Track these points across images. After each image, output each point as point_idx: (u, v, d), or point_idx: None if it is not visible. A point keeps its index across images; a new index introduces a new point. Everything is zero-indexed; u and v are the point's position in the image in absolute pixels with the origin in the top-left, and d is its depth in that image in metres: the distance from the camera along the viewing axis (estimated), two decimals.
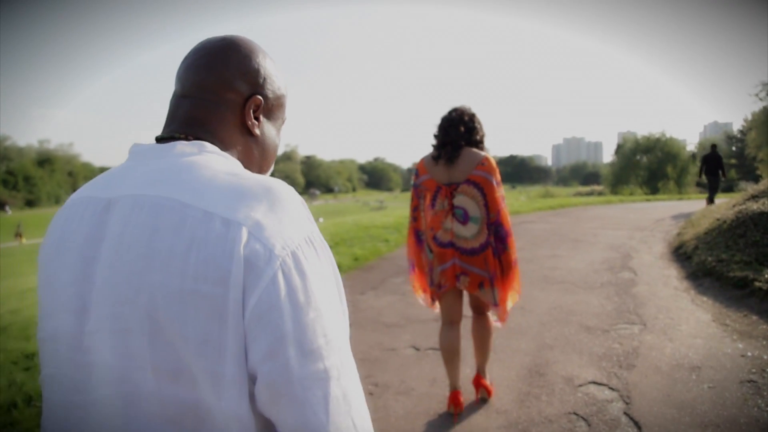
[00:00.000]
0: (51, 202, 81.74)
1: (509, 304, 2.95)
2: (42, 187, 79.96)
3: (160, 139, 0.80)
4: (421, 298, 3.14)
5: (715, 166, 12.94)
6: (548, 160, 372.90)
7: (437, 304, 3.03)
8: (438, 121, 2.91)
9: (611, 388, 3.20)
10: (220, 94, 0.81)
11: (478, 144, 2.87)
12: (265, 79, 0.85)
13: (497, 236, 2.80)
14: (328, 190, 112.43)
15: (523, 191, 79.69)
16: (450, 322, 2.95)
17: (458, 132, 2.79)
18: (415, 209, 2.98)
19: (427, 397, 3.19)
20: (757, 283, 4.89)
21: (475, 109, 2.91)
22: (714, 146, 13.41)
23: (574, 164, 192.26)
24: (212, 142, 0.79)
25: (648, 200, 21.47)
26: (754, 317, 4.38)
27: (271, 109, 0.87)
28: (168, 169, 0.73)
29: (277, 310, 0.64)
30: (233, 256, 0.64)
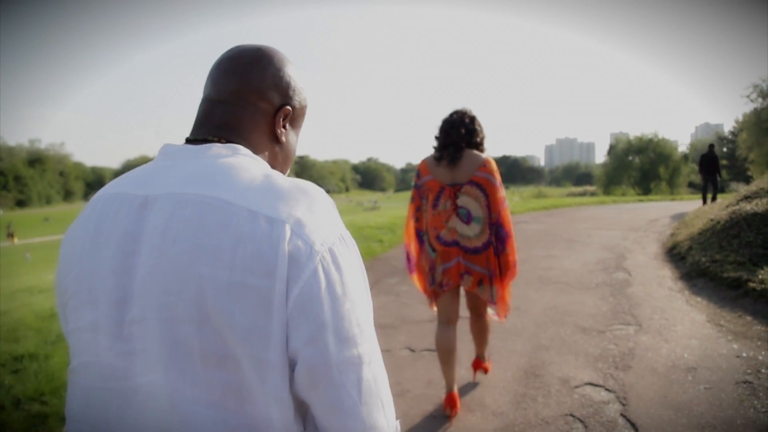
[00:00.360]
0: (42, 202, 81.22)
1: (508, 299, 3.03)
2: (33, 187, 79.38)
3: (191, 140, 0.85)
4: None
5: (712, 166, 13.14)
6: (541, 160, 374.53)
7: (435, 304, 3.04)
8: (438, 123, 2.94)
9: (607, 390, 3.18)
10: (255, 103, 0.87)
11: (479, 146, 2.90)
12: (294, 90, 0.91)
13: (497, 236, 2.86)
14: None
15: (516, 191, 79.97)
16: (447, 321, 2.96)
17: (459, 134, 2.82)
18: (418, 209, 3.00)
19: (423, 399, 3.16)
20: (751, 284, 4.90)
21: (474, 111, 2.94)
22: (711, 146, 13.61)
23: (566, 165, 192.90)
24: (244, 146, 0.84)
25: (641, 201, 21.56)
26: (749, 318, 4.38)
27: (296, 118, 0.94)
28: (206, 169, 0.77)
29: (317, 300, 0.70)
30: (278, 252, 0.69)
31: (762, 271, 5.07)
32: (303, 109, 0.95)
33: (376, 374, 0.76)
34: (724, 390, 3.11)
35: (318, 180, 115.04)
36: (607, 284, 5.82)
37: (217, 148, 0.80)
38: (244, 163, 0.79)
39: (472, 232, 2.82)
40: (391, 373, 3.30)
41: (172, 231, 0.72)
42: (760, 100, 32.99)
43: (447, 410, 2.93)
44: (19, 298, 6.03)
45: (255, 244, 0.69)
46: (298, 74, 0.92)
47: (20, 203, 75.31)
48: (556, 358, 3.71)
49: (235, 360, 0.70)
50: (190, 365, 0.70)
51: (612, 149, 52.92)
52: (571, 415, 2.90)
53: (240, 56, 0.88)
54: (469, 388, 3.28)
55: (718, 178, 13.26)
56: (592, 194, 49.69)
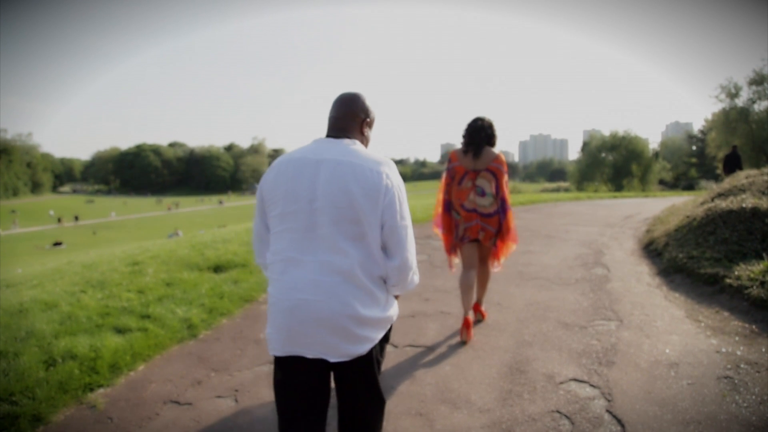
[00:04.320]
0: (8, 194, 78.77)
1: (504, 255, 4.29)
2: None
3: (330, 136, 1.90)
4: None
5: (735, 164, 14.68)
6: (515, 156, 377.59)
7: (455, 261, 4.36)
8: (464, 126, 4.16)
9: (592, 386, 3.18)
10: (354, 118, 1.93)
11: (494, 145, 4.10)
12: (368, 111, 1.97)
13: (502, 207, 4.09)
14: None
15: None
16: (468, 267, 4.18)
17: (481, 136, 4.07)
18: (448, 185, 4.23)
19: (407, 396, 3.12)
20: (727, 280, 4.96)
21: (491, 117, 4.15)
22: (735, 147, 15.40)
23: (540, 161, 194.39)
24: (353, 139, 1.90)
25: (615, 197, 21.84)
26: (726, 313, 4.44)
27: (370, 124, 1.99)
28: (346, 149, 1.81)
29: (394, 203, 1.77)
30: (381, 184, 1.75)
31: (738, 268, 5.15)
32: (373, 120, 1.99)
33: (410, 234, 1.84)
34: (707, 385, 3.14)
35: None
36: (586, 280, 5.85)
37: (347, 141, 1.85)
38: (359, 147, 1.85)
39: (485, 203, 4.07)
40: None
41: (337, 174, 1.74)
42: (728, 100, 33.83)
43: (463, 334, 3.97)
44: None
45: (373, 180, 1.74)
46: (371, 103, 1.97)
47: None
48: (539, 354, 3.70)
49: (361, 222, 1.73)
50: (342, 224, 1.73)
51: (585, 146, 53.55)
52: (558, 412, 2.89)
53: (348, 97, 1.94)
54: (454, 384, 3.25)
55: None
56: (566, 190, 50.31)
